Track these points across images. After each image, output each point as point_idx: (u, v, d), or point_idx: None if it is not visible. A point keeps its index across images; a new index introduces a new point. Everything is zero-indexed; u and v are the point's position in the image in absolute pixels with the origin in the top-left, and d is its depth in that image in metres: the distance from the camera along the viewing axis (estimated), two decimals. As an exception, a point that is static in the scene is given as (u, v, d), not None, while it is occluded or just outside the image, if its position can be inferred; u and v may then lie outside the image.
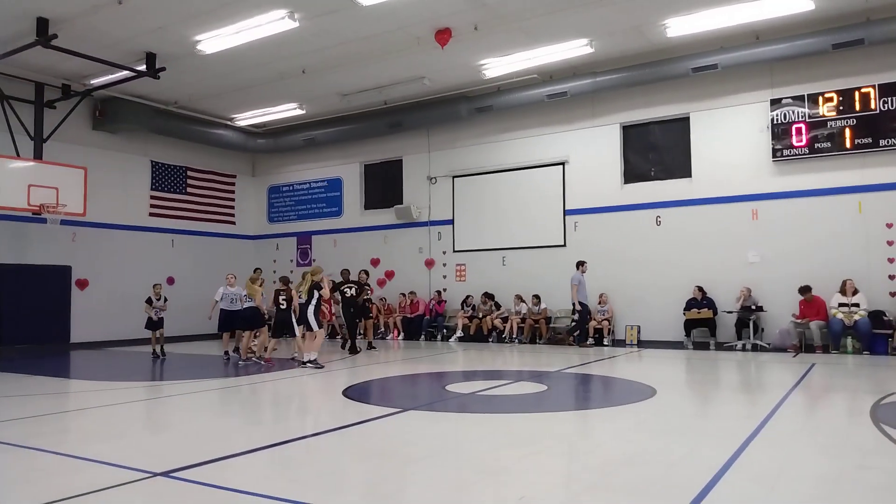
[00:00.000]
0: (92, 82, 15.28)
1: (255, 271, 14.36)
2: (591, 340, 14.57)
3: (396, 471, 4.91)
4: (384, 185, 19.19)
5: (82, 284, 16.50)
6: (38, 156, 15.03)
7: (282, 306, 12.23)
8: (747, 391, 8.96)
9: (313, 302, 11.03)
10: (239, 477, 4.63)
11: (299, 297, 11.43)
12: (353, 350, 13.57)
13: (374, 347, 14.63)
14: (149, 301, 13.39)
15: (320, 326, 11.28)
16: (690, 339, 13.78)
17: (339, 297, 13.88)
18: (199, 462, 4.95)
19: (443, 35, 12.74)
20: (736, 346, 13.28)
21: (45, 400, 8.69)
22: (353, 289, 13.78)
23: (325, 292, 11.37)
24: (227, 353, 13.13)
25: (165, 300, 13.70)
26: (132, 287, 16.57)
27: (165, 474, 4.62)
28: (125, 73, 14.17)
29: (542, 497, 4.15)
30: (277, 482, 4.48)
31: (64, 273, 16.21)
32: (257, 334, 12.56)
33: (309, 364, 10.95)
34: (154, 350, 13.47)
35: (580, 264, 14.60)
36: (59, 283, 16.11)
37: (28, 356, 13.95)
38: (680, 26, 12.64)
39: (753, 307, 13.19)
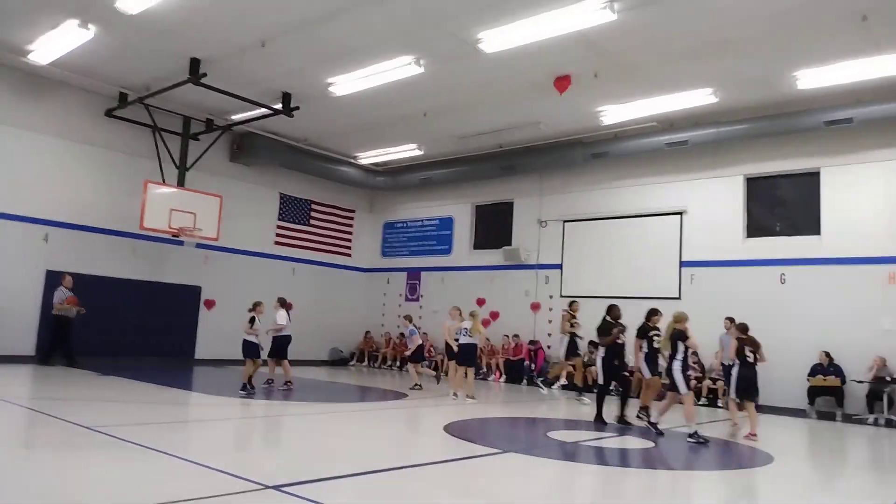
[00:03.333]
0: (233, 118, 16.60)
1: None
2: (703, 400, 13.83)
3: (495, 510, 4.90)
4: (494, 227, 19.39)
5: (210, 304, 17.69)
6: (180, 183, 16.42)
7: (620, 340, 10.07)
8: (878, 470, 8.22)
9: (679, 356, 9.05)
10: (341, 497, 4.78)
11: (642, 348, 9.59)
12: (600, 419, 9.91)
13: (646, 419, 9.54)
14: (252, 321, 11.34)
15: (689, 388, 9.17)
16: (814, 408, 12.81)
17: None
18: (307, 479, 5.17)
19: (562, 82, 12.89)
20: (867, 419, 12.20)
21: (171, 409, 9.35)
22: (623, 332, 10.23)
23: (694, 342, 9.21)
24: (269, 380, 12.17)
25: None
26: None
27: (276, 488, 4.86)
28: (263, 111, 15.30)
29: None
30: (379, 508, 4.60)
31: (194, 293, 17.46)
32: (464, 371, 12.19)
33: (690, 439, 8.58)
34: (248, 381, 10.92)
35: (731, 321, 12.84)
36: (189, 302, 17.35)
37: (157, 368, 15.02)
38: (811, 78, 12.09)
39: (889, 378, 12.12)
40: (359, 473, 5.62)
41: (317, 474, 5.42)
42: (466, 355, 12.15)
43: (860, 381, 12.42)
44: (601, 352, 10.01)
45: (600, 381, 9.99)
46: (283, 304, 12.17)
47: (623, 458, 7.54)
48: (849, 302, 13.08)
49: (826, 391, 12.77)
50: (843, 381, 12.68)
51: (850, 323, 12.96)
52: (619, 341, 9.99)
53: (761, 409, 13.19)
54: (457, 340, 12.27)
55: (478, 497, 5.23)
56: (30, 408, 8.46)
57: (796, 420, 12.24)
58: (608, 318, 10.10)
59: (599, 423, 9.78)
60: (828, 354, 12.91)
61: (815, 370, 12.96)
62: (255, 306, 11.50)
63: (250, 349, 11.28)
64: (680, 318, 9.36)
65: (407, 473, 5.93)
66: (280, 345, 12.03)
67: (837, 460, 8.61)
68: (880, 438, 10.57)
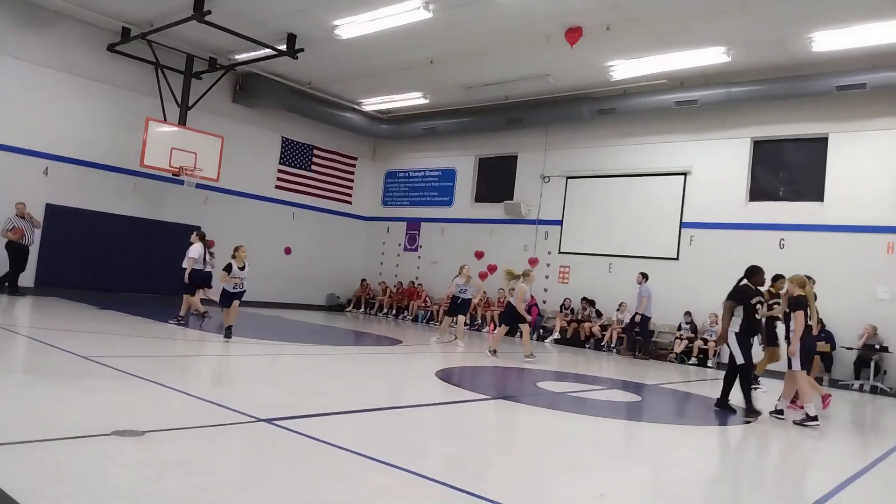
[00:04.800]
0: (236, 58, 16.34)
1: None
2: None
3: (480, 452, 5.01)
4: (496, 180, 19.30)
5: (209, 245, 17.67)
6: (182, 122, 16.27)
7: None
8: (859, 432, 8.37)
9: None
10: (332, 432, 4.89)
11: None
12: (724, 403, 7.97)
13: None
14: (228, 268, 10.23)
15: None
16: (802, 372, 12.97)
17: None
18: (299, 414, 5.28)
19: (573, 34, 12.64)
20: (852, 385, 12.39)
21: (168, 343, 9.48)
22: (765, 305, 8.59)
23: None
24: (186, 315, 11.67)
25: (243, 268, 10.39)
26: (254, 252, 17.55)
27: (268, 421, 4.96)
28: (267, 52, 15.06)
29: (623, 499, 4.12)
30: (366, 442, 4.69)
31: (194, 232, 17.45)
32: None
33: (804, 422, 7.43)
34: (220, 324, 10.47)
35: (646, 276, 14.49)
36: (189, 242, 17.33)
37: (155, 304, 15.16)
38: (827, 41, 11.88)
39: (877, 347, 12.25)
40: (350, 411, 5.73)
41: (308, 410, 5.53)
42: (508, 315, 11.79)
43: (849, 349, 12.56)
44: (734, 325, 7.81)
45: (739, 360, 7.76)
46: (201, 238, 11.77)
47: (608, 409, 7.67)
48: (846, 269, 13.10)
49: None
50: (833, 348, 12.81)
51: (845, 290, 12.99)
52: (758, 315, 8.03)
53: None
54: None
55: (464, 437, 5.35)
56: (29, 336, 8.58)
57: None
58: (747, 283, 8.04)
59: (725, 409, 7.86)
60: (820, 321, 12.98)
61: (806, 335, 13.06)
62: (235, 251, 10.41)
63: (224, 297, 10.33)
64: (800, 283, 7.89)
65: (397, 413, 6.05)
66: (192, 279, 11.54)
67: (820, 422, 8.74)
68: (864, 404, 10.74)
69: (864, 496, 4.76)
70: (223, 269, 10.24)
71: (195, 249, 11.59)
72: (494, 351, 11.66)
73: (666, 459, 5.53)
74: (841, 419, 9.28)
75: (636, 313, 14.41)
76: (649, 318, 14.55)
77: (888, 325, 12.43)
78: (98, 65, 15.51)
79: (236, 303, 10.21)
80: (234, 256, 10.29)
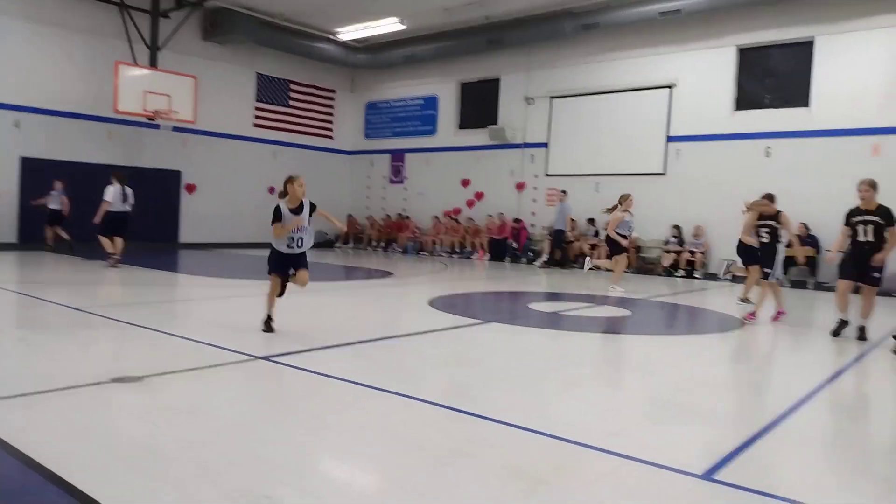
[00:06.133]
0: (203, -8, 15.72)
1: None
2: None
3: (477, 374, 5.11)
4: (479, 105, 18.97)
5: (191, 189, 17.53)
6: (153, 64, 15.78)
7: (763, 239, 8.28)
8: (850, 330, 8.57)
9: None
10: (329, 365, 4.96)
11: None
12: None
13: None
14: (277, 215, 6.04)
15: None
16: (787, 277, 13.20)
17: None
18: (296, 350, 5.35)
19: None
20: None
21: (158, 290, 9.49)
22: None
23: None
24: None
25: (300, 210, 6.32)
26: (237, 193, 17.46)
27: (266, 358, 5.02)
28: (233, -17, 14.47)
29: (619, 410, 4.24)
30: (364, 372, 4.77)
31: (174, 177, 17.24)
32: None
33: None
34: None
35: (566, 193, 15.92)
36: (170, 187, 17.16)
37: (142, 253, 15.09)
38: (812, -63, 11.51)
39: (863, 249, 12.40)
40: (346, 344, 5.80)
41: (304, 345, 5.60)
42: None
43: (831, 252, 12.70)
44: None
45: None
46: (119, 179, 11.55)
47: (600, 325, 7.81)
48: (831, 173, 13.13)
49: (801, 261, 13.10)
50: (818, 252, 12.99)
51: (831, 195, 13.03)
52: None
53: (738, 279, 13.60)
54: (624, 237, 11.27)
55: (460, 361, 5.45)
56: (18, 291, 8.55)
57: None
58: None
59: None
60: (805, 226, 13.13)
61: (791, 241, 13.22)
62: (286, 185, 6.22)
63: (277, 261, 6.47)
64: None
65: (392, 343, 6.14)
66: (107, 221, 11.45)
67: (802, 326, 8.95)
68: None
69: (848, 387, 4.92)
70: (273, 217, 6.05)
71: (108, 192, 11.30)
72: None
73: (656, 368, 5.67)
74: (826, 321, 9.50)
75: (555, 228, 15.61)
76: (564, 231, 15.72)
77: (873, 227, 12.54)
78: (59, 10, 14.89)
79: (304, 273, 6.37)
80: (283, 194, 6.17)
